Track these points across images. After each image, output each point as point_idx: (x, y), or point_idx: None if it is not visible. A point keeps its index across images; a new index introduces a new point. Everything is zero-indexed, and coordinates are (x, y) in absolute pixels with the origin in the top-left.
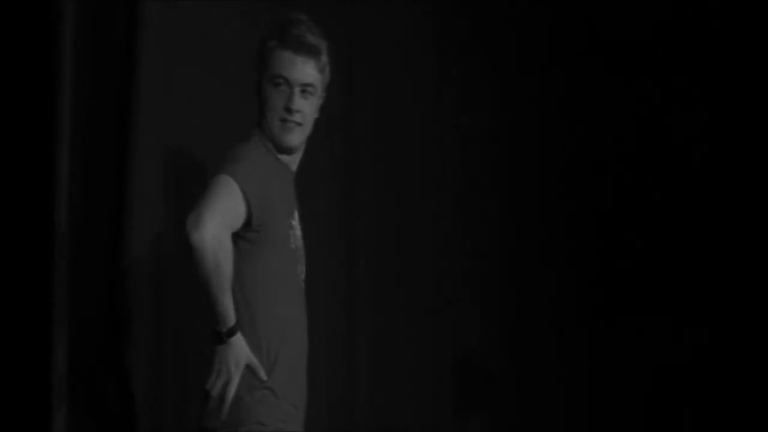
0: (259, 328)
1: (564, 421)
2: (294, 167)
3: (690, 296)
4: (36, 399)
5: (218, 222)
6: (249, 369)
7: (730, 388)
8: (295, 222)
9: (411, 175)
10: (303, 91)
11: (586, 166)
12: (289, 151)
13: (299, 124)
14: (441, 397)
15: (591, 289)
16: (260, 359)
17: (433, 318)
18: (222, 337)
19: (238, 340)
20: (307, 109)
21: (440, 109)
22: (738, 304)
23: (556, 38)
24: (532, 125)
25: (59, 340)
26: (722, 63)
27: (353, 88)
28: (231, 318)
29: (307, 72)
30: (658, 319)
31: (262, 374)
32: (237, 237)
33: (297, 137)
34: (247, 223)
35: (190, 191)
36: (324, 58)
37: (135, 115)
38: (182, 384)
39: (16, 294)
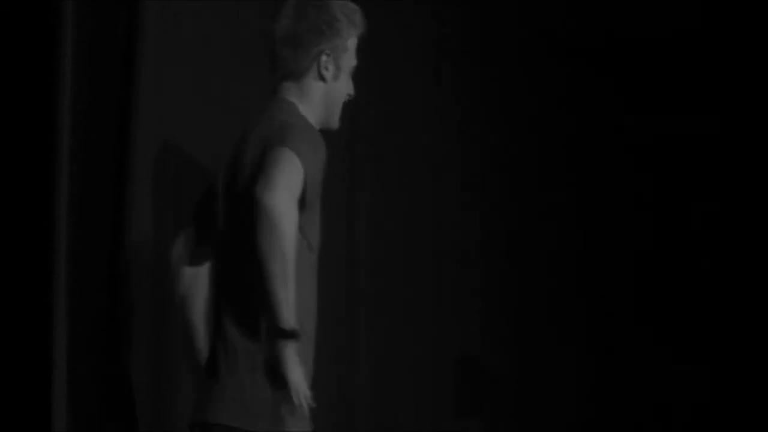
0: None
1: (564, 422)
2: None
3: (691, 299)
4: (36, 399)
5: (289, 191)
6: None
7: (732, 390)
8: None
9: (412, 176)
10: None
11: (588, 165)
12: (330, 131)
13: None
14: (442, 399)
15: (592, 290)
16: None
17: (434, 319)
18: (287, 334)
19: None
20: None
21: (440, 108)
22: (740, 307)
23: (555, 35)
24: (532, 125)
25: (59, 340)
26: (723, 61)
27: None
28: (293, 315)
29: None
30: (659, 319)
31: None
32: None
33: None
34: (300, 203)
35: (190, 191)
36: None
37: (135, 115)
38: (182, 384)
39: (16, 294)
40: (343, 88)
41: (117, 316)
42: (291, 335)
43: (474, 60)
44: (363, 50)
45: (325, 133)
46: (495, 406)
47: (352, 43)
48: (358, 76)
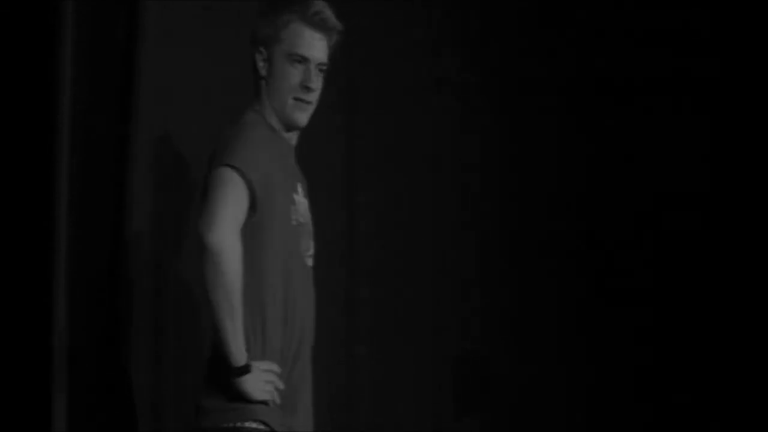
0: (268, 312)
1: (564, 422)
2: (294, 142)
3: (692, 295)
4: (36, 399)
5: (230, 222)
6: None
7: (731, 387)
8: (299, 196)
9: (412, 174)
10: (319, 70)
11: (588, 164)
12: (297, 129)
13: (311, 103)
14: (441, 398)
15: (592, 288)
16: (278, 354)
17: (433, 318)
18: (238, 371)
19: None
20: (320, 88)
21: (440, 108)
22: (738, 303)
23: (557, 35)
24: (533, 123)
25: (59, 339)
26: (722, 67)
27: (353, 87)
28: (243, 348)
29: (324, 51)
30: (658, 319)
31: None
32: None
33: (308, 116)
34: (251, 208)
35: (190, 191)
36: (336, 39)
37: (134, 115)
38: (182, 384)
39: (16, 294)
40: (286, 81)
41: (117, 315)
42: (243, 372)
43: (474, 60)
44: (363, 50)
45: (325, 132)
46: (495, 406)
47: (288, 32)
48: (358, 76)
